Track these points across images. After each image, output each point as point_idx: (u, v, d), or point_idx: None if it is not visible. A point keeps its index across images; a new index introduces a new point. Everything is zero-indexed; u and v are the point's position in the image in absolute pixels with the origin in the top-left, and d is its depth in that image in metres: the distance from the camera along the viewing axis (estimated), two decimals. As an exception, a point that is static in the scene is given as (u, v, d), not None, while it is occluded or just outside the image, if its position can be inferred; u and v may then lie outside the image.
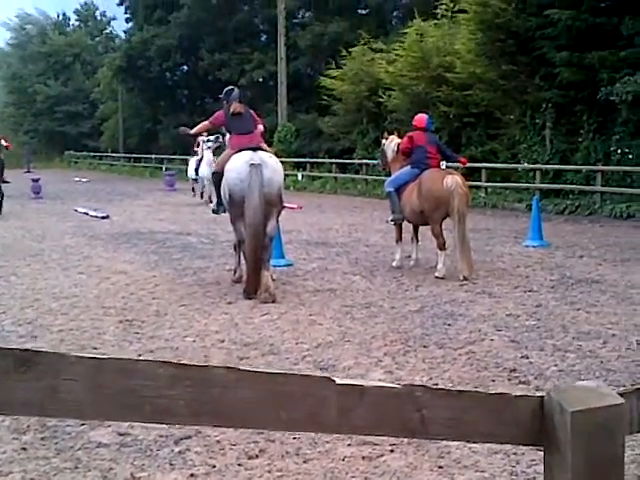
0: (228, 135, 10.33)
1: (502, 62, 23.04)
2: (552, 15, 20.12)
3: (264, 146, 9.94)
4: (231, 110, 10.08)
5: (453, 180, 10.31)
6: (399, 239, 11.50)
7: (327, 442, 4.68)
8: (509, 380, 5.92)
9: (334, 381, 1.55)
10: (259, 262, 9.08)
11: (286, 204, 18.13)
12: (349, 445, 4.64)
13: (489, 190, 23.17)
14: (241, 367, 1.50)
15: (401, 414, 1.63)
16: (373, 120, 30.51)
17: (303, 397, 1.53)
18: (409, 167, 11.05)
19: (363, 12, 42.99)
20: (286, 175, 34.92)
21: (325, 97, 32.17)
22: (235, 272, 10.39)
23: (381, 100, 28.20)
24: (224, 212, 10.17)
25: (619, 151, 19.90)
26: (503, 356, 6.58)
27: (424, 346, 6.95)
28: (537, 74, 22.23)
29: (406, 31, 28.27)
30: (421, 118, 11.46)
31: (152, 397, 1.43)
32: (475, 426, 1.70)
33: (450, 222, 10.51)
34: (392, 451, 4.56)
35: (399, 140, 11.76)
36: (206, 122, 10.68)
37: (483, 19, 22.76)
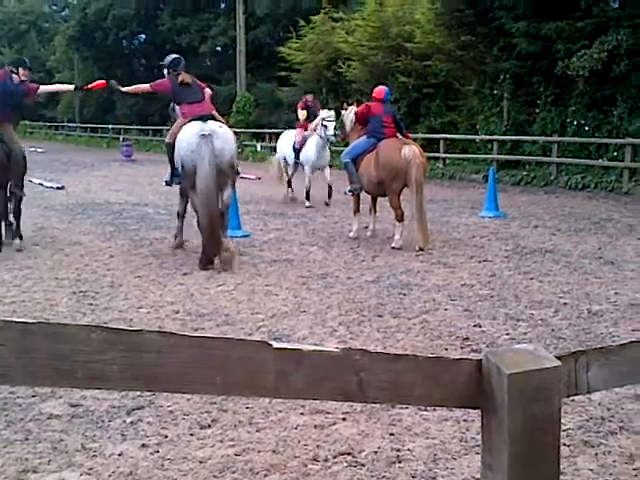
0: (177, 106, 10.22)
1: (461, 32, 23.07)
2: (510, -15, 20.15)
3: (216, 114, 9.88)
4: (179, 79, 10.02)
5: (411, 150, 10.33)
6: (357, 210, 11.51)
7: (280, 411, 4.70)
8: (462, 348, 5.98)
9: (271, 345, 1.55)
10: (215, 232, 9.06)
11: (244, 175, 18.09)
12: (302, 414, 4.66)
13: (447, 161, 23.27)
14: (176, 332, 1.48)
15: (339, 377, 1.63)
16: (332, 90, 30.43)
17: (239, 361, 1.52)
18: (365, 137, 11.05)
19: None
20: (245, 145, 34.65)
21: (284, 67, 31.96)
22: (176, 238, 10.58)
23: (340, 70, 28.10)
24: (178, 183, 10.11)
25: (575, 122, 20.10)
26: (456, 325, 6.64)
27: (379, 316, 7.00)
28: (495, 45, 22.29)
29: (365, 0, 28.15)
30: (380, 90, 11.45)
31: (84, 362, 1.41)
32: (413, 389, 1.71)
33: (407, 193, 10.54)
34: (344, 419, 4.59)
35: None
36: (146, 85, 10.49)
37: (442, -12, 22.74)
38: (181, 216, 10.50)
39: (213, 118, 9.59)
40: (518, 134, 21.71)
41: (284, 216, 14.00)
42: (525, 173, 20.29)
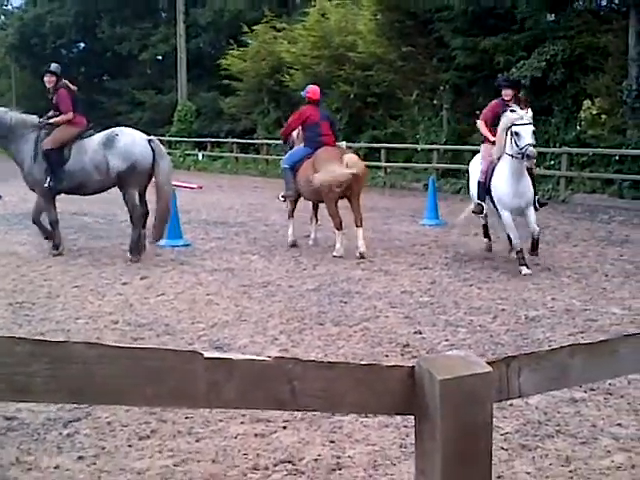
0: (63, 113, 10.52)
1: (401, 43, 23.32)
2: (449, -2, 20.44)
3: None
4: (72, 87, 10.78)
5: (349, 158, 10.37)
6: (291, 215, 11.56)
7: (220, 420, 4.66)
8: (402, 355, 6.02)
9: (202, 355, 1.53)
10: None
11: (186, 184, 17.93)
12: (242, 423, 4.64)
13: (388, 170, 23.42)
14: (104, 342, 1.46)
15: (272, 386, 1.63)
16: (274, 100, 30.44)
17: (169, 372, 1.50)
18: (303, 146, 11.05)
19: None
20: (187, 155, 34.39)
21: (226, 76, 31.87)
22: (57, 247, 10.79)
23: (283, 80, 28.13)
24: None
25: (514, 132, 20.43)
26: (397, 332, 6.68)
27: (320, 324, 7.00)
28: (435, 56, 22.56)
29: (308, 10, 28.25)
30: (315, 90, 11.39)
31: (7, 374, 1.38)
32: (346, 397, 1.71)
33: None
34: (285, 427, 4.58)
35: None
36: (70, 115, 10.52)
37: (382, -1, 22.95)
38: (56, 223, 10.94)
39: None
40: (458, 144, 21.96)
41: (225, 225, 13.93)
42: (465, 182, 20.52)
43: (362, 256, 10.20)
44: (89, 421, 4.69)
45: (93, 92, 42.67)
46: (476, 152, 20.68)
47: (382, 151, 23.28)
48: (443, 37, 21.35)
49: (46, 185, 10.53)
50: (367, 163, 23.11)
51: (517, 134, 8.88)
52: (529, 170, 9.40)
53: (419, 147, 22.96)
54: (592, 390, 5.09)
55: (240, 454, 4.24)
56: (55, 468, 4.07)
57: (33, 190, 10.90)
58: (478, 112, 21.38)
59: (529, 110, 9.21)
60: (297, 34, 28.18)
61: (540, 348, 6.02)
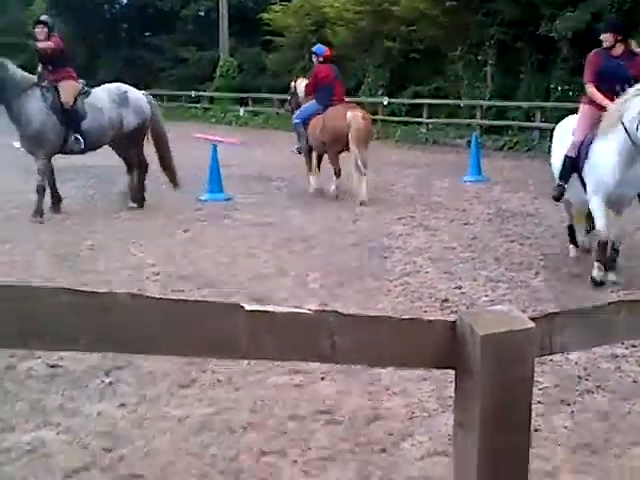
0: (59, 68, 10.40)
1: (445, -3, 22.86)
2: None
3: None
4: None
5: (353, 115, 11.00)
6: (310, 169, 12.28)
7: (259, 371, 4.71)
8: (441, 310, 6.01)
9: (243, 307, 1.53)
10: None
11: (226, 139, 17.89)
12: (280, 374, 4.68)
13: (430, 126, 23.15)
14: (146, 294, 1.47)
15: (313, 340, 1.62)
16: (316, 56, 30.13)
17: (210, 323, 1.50)
18: (315, 102, 11.70)
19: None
20: (228, 110, 34.18)
21: (268, 31, 31.60)
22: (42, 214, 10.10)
23: (325, 36, 27.78)
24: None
25: (559, 88, 20.02)
26: (437, 287, 6.67)
27: (360, 278, 7.02)
28: (479, 11, 22.12)
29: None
30: (326, 48, 12.44)
31: (53, 324, 1.39)
32: (387, 350, 1.70)
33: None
34: (323, 379, 4.62)
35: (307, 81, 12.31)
36: (58, 42, 10.48)
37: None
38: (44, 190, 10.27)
39: None
40: (502, 100, 21.61)
41: (266, 180, 13.93)
42: (508, 138, 20.25)
43: (362, 203, 10.86)
44: (130, 370, 4.78)
45: (135, 48, 42.68)
46: (519, 108, 20.71)
47: (424, 107, 23.02)
48: (489, -10, 20.91)
49: (79, 146, 10.38)
50: (408, 119, 22.95)
51: None
52: None
53: (462, 103, 22.64)
54: (633, 347, 5.05)
55: (278, 404, 4.29)
56: (97, 415, 4.16)
57: (32, 152, 10.31)
58: (523, 68, 21.18)
59: None
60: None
61: (582, 305, 5.96)
